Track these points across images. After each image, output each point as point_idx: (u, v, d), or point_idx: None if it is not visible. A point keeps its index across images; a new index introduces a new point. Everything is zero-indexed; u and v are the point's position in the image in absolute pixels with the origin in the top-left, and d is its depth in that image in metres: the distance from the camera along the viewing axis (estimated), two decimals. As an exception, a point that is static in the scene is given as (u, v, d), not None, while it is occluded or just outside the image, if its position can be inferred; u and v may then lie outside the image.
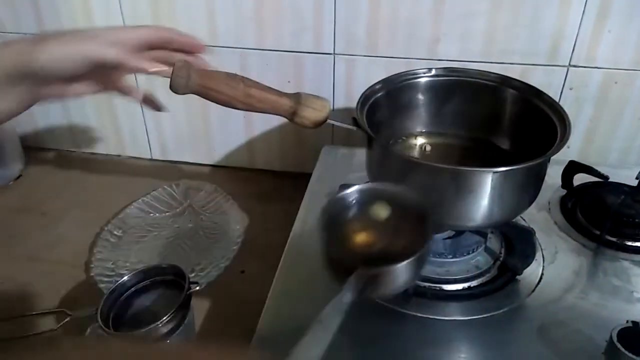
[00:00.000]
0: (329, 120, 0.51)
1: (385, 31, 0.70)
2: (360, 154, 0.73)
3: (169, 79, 0.46)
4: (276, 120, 0.81)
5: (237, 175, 0.85)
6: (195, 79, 0.45)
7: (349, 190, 0.44)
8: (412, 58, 0.71)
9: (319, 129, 0.51)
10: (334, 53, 0.73)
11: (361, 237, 0.43)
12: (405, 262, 0.37)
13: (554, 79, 0.70)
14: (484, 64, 0.69)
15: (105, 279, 0.61)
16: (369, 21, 0.70)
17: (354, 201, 0.44)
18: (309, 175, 0.71)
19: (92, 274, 0.61)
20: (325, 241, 0.40)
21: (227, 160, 0.86)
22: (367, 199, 0.44)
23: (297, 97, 0.49)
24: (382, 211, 0.44)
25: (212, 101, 0.47)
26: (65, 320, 0.53)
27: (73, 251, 0.68)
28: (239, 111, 0.79)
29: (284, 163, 0.85)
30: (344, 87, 0.76)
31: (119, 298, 0.51)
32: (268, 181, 0.84)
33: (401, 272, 0.38)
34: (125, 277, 0.52)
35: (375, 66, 0.73)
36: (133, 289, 0.52)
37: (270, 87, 0.49)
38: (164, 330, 0.48)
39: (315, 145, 0.78)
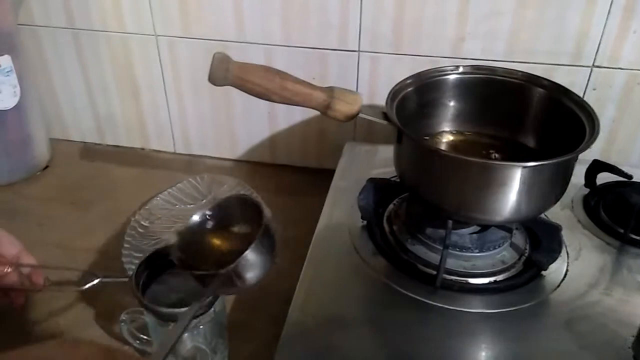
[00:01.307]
0: (360, 114, 0.52)
1: (411, 29, 0.71)
2: (383, 151, 0.75)
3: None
4: (299, 116, 0.82)
5: (258, 169, 0.86)
6: (234, 71, 0.47)
7: (198, 216, 0.48)
8: (436, 56, 0.72)
9: (340, 126, 0.52)
10: (359, 50, 0.74)
11: (222, 247, 0.48)
12: (243, 256, 0.41)
13: (577, 79, 0.71)
14: (508, 63, 0.70)
15: (134, 267, 0.62)
16: (395, 19, 0.71)
17: (208, 221, 0.48)
18: (329, 171, 0.72)
19: (122, 262, 0.63)
20: (182, 261, 0.45)
21: (249, 155, 0.87)
22: (220, 215, 0.48)
23: (330, 91, 0.50)
24: (237, 227, 0.48)
25: (249, 93, 0.49)
26: (93, 282, 0.51)
27: (102, 240, 0.69)
28: (262, 107, 0.82)
29: (305, 159, 0.86)
30: (367, 84, 0.77)
31: (145, 270, 0.50)
32: (289, 176, 0.85)
33: (246, 265, 0.42)
34: (159, 248, 0.50)
35: (399, 64, 0.74)
36: (163, 259, 0.50)
37: (305, 81, 0.50)
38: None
39: (337, 141, 0.79)
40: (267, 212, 0.44)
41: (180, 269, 0.44)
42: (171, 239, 0.48)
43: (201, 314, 0.47)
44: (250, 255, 0.41)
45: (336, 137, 0.81)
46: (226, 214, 0.47)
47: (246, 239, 0.42)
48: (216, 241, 0.47)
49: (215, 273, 0.41)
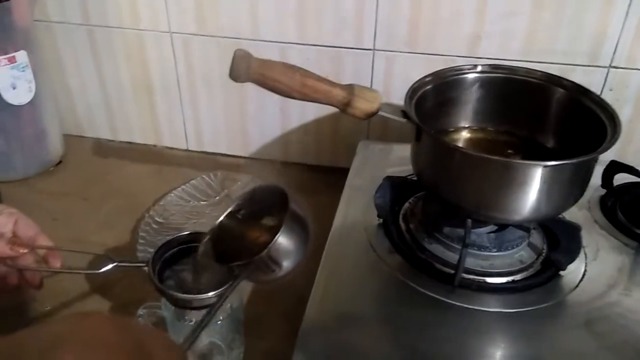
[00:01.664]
0: (379, 112, 0.52)
1: (426, 28, 0.71)
2: (397, 149, 0.75)
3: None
4: (311, 114, 0.82)
5: (271, 167, 0.86)
6: (255, 68, 0.47)
7: (228, 210, 0.48)
8: (451, 55, 0.72)
9: (354, 124, 0.52)
10: (374, 49, 0.74)
11: (256, 239, 0.48)
12: (275, 241, 0.41)
13: (594, 80, 0.70)
14: (524, 62, 0.70)
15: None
16: (411, 18, 0.71)
17: (239, 214, 0.48)
18: (342, 169, 0.72)
19: (137, 257, 0.63)
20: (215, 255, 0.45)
21: (262, 152, 0.87)
22: (249, 207, 0.48)
23: (350, 89, 0.50)
24: (267, 219, 0.48)
25: (270, 90, 0.49)
26: (109, 267, 0.50)
27: (116, 235, 0.70)
28: (275, 105, 0.82)
29: (318, 157, 0.86)
30: (382, 83, 0.76)
31: (163, 256, 0.49)
32: (302, 174, 0.85)
33: (280, 249, 0.42)
34: (174, 237, 0.50)
35: (414, 63, 0.74)
36: (177, 248, 0.50)
37: (325, 78, 0.50)
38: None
39: (349, 140, 0.79)
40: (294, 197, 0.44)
41: (215, 262, 0.44)
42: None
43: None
44: (281, 239, 0.41)
45: (349, 135, 0.81)
46: (255, 205, 0.47)
47: (278, 228, 0.42)
48: (249, 234, 0.47)
49: (250, 261, 0.41)
